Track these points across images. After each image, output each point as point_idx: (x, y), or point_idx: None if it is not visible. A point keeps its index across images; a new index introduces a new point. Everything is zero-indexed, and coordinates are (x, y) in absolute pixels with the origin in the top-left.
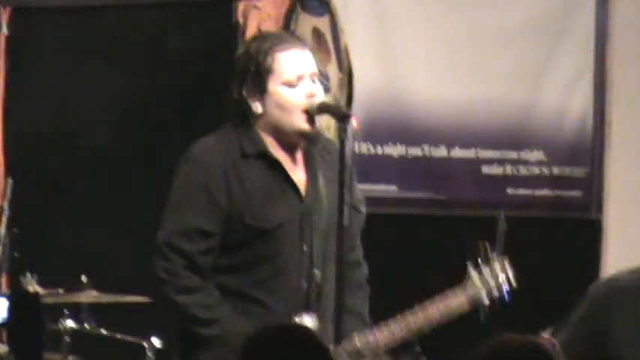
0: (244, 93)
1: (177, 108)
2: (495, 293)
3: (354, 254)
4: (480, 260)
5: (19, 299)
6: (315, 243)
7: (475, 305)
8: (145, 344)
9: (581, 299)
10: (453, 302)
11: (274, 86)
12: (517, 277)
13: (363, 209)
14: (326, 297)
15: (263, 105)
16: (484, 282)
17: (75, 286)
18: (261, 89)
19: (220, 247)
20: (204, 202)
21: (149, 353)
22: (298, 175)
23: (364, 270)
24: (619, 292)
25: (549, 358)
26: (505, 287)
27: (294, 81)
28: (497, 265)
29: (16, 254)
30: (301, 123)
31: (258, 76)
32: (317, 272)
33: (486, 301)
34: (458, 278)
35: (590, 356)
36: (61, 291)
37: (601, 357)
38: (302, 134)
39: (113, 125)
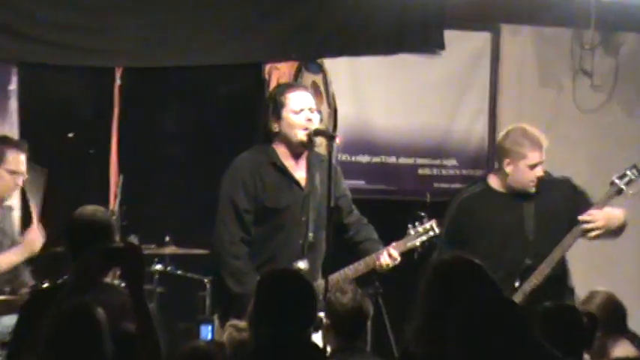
0: (269, 119)
1: (226, 133)
2: (424, 238)
3: (353, 215)
4: (415, 222)
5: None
6: (310, 217)
7: (411, 248)
8: (205, 280)
9: (448, 208)
10: (398, 247)
11: (286, 113)
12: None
13: (348, 193)
14: (316, 251)
15: (279, 126)
16: (417, 234)
17: (161, 243)
18: (278, 116)
19: (253, 222)
20: (243, 190)
21: (207, 285)
22: (300, 174)
23: (365, 219)
24: (468, 198)
25: (474, 264)
26: (431, 234)
27: (298, 110)
28: (426, 224)
29: (124, 223)
30: (302, 137)
31: (276, 107)
32: (310, 235)
33: (418, 244)
34: (402, 236)
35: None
36: (152, 246)
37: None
38: (303, 145)
39: (188, 142)
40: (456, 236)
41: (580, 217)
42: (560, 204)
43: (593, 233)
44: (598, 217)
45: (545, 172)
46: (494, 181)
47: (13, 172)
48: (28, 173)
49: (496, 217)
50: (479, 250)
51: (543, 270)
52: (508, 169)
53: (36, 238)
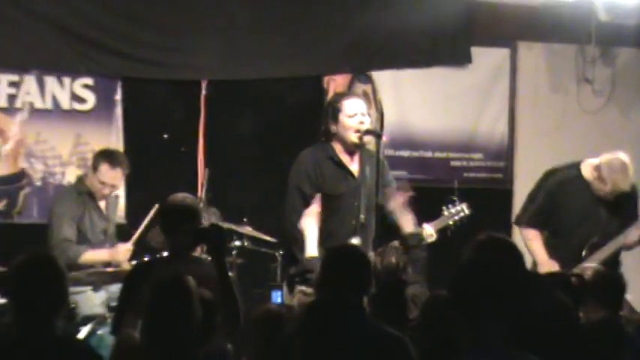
0: (328, 122)
1: (293, 133)
2: (456, 218)
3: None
4: (448, 205)
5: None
6: (361, 202)
7: (445, 226)
8: (276, 254)
9: (543, 183)
10: (435, 225)
11: (342, 117)
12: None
13: (394, 184)
14: (367, 230)
15: (336, 128)
16: (450, 214)
17: (240, 224)
18: (335, 119)
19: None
20: (307, 179)
21: (278, 258)
22: (353, 167)
23: None
24: (563, 180)
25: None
26: (461, 215)
27: (352, 115)
28: (458, 206)
29: (214, 210)
30: (355, 138)
31: (333, 113)
32: (362, 217)
33: (451, 223)
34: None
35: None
36: (233, 226)
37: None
38: (355, 144)
39: (261, 141)
40: (547, 207)
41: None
42: (625, 199)
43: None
44: None
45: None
46: (585, 170)
47: (102, 183)
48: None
49: (581, 200)
50: (561, 222)
51: (605, 250)
52: (601, 185)
53: (123, 255)
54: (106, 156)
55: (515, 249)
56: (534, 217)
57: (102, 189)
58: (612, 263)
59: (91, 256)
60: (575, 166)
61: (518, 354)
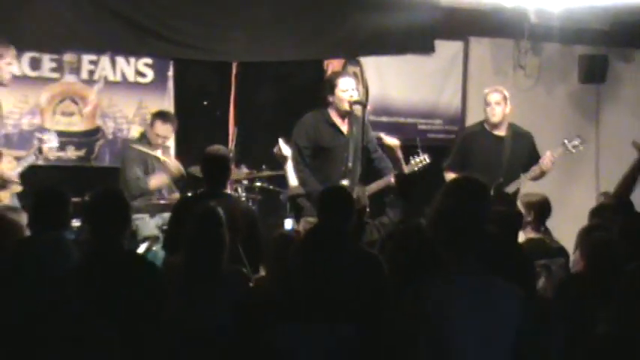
0: (326, 93)
1: (300, 101)
2: (420, 165)
3: (377, 153)
4: (414, 156)
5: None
6: (350, 153)
7: (412, 170)
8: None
9: (456, 142)
10: (407, 168)
11: (337, 91)
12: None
13: (375, 140)
14: (353, 174)
15: (333, 98)
16: (416, 162)
17: (260, 170)
18: (332, 92)
19: (310, 155)
20: (305, 135)
21: (282, 197)
22: (344, 128)
23: (384, 155)
24: (469, 133)
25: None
26: (424, 163)
27: (345, 89)
28: (421, 157)
29: (237, 157)
30: (346, 106)
31: (331, 87)
32: (349, 164)
33: (416, 169)
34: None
35: (461, 161)
36: (255, 171)
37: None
38: (346, 111)
39: (277, 107)
40: (459, 159)
41: (543, 160)
42: (526, 146)
43: (547, 168)
44: (550, 161)
45: (514, 124)
46: (487, 124)
47: (157, 135)
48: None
49: (484, 148)
50: (472, 167)
51: (511, 187)
52: (488, 109)
53: (175, 168)
54: (159, 114)
55: (483, 188)
56: (452, 164)
57: (157, 139)
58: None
59: (155, 180)
60: (480, 123)
61: (492, 277)
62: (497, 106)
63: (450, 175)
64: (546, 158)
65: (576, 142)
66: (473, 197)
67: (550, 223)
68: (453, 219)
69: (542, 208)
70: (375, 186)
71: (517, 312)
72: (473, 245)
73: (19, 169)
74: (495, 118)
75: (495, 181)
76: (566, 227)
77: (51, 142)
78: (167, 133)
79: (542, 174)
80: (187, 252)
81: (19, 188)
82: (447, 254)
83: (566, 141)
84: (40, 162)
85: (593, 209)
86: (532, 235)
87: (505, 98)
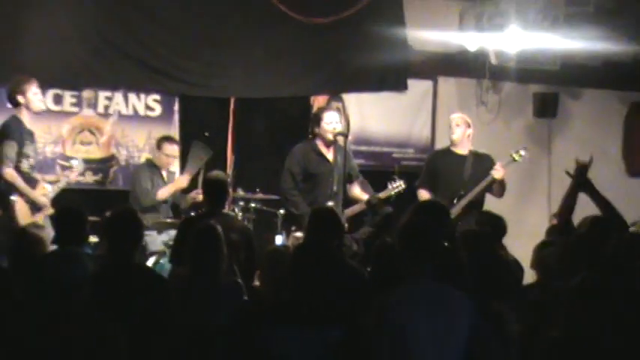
0: (313, 126)
1: (290, 132)
2: (397, 190)
3: (359, 178)
4: (391, 181)
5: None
6: (334, 178)
7: (389, 195)
8: (278, 212)
9: (425, 163)
10: (381, 194)
11: (322, 124)
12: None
13: (356, 166)
14: (338, 196)
15: (319, 130)
16: (392, 187)
17: (254, 192)
18: (318, 125)
19: (301, 180)
20: (297, 163)
21: (280, 214)
22: (329, 156)
23: (365, 180)
24: (436, 154)
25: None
26: (399, 189)
27: (329, 122)
28: (397, 182)
29: (235, 181)
30: (331, 137)
31: (317, 120)
32: (335, 188)
33: (393, 193)
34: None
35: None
36: (249, 194)
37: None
38: (331, 142)
39: (269, 137)
40: (428, 177)
41: (495, 169)
42: (485, 165)
43: (500, 175)
44: (499, 168)
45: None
46: (451, 147)
47: (167, 155)
48: (199, 150)
49: (448, 167)
50: (439, 183)
51: (469, 197)
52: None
53: (183, 181)
54: (166, 137)
55: (443, 210)
56: (422, 182)
57: (167, 160)
58: (478, 207)
59: (162, 192)
60: (447, 147)
61: (447, 287)
62: (457, 127)
63: (422, 193)
64: (496, 167)
65: (522, 152)
66: (433, 217)
67: (506, 241)
68: (415, 235)
69: (497, 227)
70: (350, 211)
71: (468, 317)
72: (432, 258)
73: (53, 194)
74: (455, 136)
75: (457, 193)
76: (522, 244)
77: (79, 169)
78: (175, 153)
79: (494, 181)
80: (190, 264)
81: (51, 210)
82: (410, 266)
83: (512, 152)
84: (69, 180)
85: (547, 229)
86: None
87: (466, 122)
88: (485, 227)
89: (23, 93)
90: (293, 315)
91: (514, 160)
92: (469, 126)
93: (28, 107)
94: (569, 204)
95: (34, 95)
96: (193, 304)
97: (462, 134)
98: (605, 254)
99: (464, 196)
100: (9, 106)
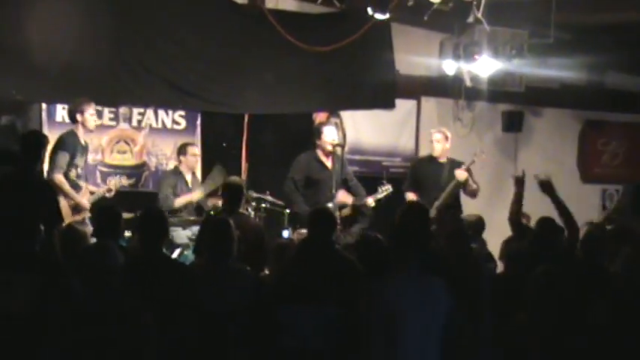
0: (314, 138)
1: (296, 143)
2: (385, 194)
3: (353, 182)
4: (381, 185)
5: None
6: (333, 183)
7: (379, 198)
8: (284, 211)
9: (409, 169)
10: (372, 197)
11: (323, 136)
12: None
13: (351, 172)
14: (335, 198)
15: (319, 142)
16: (382, 191)
17: (265, 194)
18: (319, 137)
19: (304, 185)
20: (300, 170)
21: (287, 212)
22: (329, 164)
23: (359, 184)
24: (418, 161)
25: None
26: (388, 192)
27: (328, 135)
28: (386, 186)
29: (249, 185)
30: (330, 148)
31: (318, 134)
32: (334, 191)
33: (381, 197)
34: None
35: (413, 184)
36: (261, 195)
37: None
38: (330, 151)
39: (279, 148)
40: (412, 181)
41: (457, 170)
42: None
43: (463, 177)
44: (464, 172)
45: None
46: (433, 153)
47: (193, 155)
48: (218, 173)
49: (429, 172)
50: (421, 186)
51: (446, 199)
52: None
53: (197, 196)
54: (186, 143)
55: (426, 212)
56: (408, 185)
57: (193, 160)
58: (456, 206)
59: (180, 200)
60: (429, 154)
61: (430, 277)
62: (437, 143)
63: (408, 195)
64: (457, 171)
65: (478, 153)
66: (418, 218)
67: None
68: (403, 233)
69: (477, 225)
70: (345, 211)
71: (446, 302)
72: (417, 252)
73: (92, 200)
74: (435, 153)
75: (435, 196)
76: (492, 241)
77: (116, 186)
78: (198, 152)
79: (459, 183)
80: (208, 251)
81: (89, 213)
82: (398, 259)
83: (473, 154)
84: (107, 195)
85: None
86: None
87: (445, 136)
88: (469, 228)
89: (82, 112)
90: (297, 295)
91: (473, 161)
92: (447, 139)
93: (84, 125)
94: (515, 208)
95: (91, 115)
96: (212, 288)
97: (441, 149)
98: (558, 248)
99: (438, 199)
100: (58, 120)
